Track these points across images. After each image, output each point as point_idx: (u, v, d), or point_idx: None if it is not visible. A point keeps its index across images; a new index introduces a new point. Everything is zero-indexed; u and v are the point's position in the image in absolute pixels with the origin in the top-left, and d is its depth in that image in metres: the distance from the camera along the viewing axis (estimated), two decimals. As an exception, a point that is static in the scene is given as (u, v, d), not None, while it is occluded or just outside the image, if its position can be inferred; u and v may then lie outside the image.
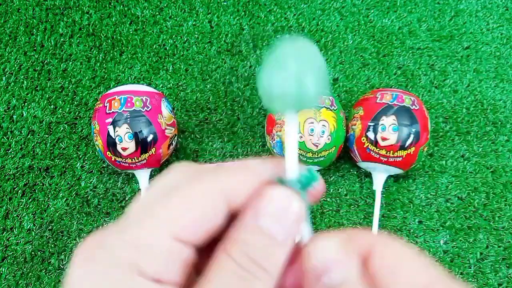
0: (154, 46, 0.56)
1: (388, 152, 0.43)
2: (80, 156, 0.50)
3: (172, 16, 0.57)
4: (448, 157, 0.50)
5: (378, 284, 0.16)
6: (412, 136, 0.42)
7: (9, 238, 0.47)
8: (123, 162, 0.43)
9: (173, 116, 0.46)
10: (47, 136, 0.51)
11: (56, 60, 0.55)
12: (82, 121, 0.52)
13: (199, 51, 0.55)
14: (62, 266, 0.45)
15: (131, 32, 0.56)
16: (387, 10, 0.58)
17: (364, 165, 0.46)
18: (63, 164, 0.50)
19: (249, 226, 0.15)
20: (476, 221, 0.47)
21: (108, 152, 0.42)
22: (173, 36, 0.56)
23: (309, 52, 0.17)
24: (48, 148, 0.50)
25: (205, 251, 0.16)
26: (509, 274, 0.45)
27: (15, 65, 0.55)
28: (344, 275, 0.15)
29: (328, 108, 0.43)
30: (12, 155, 0.50)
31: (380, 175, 0.46)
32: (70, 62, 0.55)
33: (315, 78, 0.16)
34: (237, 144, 0.50)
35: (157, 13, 0.58)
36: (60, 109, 0.52)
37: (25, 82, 0.54)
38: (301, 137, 0.42)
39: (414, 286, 0.15)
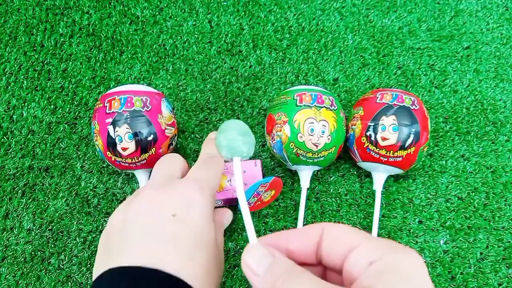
0: (154, 46, 0.56)
1: (388, 152, 0.43)
2: (80, 156, 0.50)
3: (172, 16, 0.57)
4: (448, 157, 0.50)
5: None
6: (412, 136, 0.42)
7: (9, 238, 0.47)
8: (123, 162, 0.43)
9: (173, 116, 0.46)
10: (47, 136, 0.51)
11: (56, 60, 0.55)
12: (82, 121, 0.52)
13: (199, 51, 0.55)
14: (62, 266, 0.45)
15: (131, 32, 0.56)
16: (387, 10, 0.58)
17: (364, 165, 0.46)
18: (63, 164, 0.50)
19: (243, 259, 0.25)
20: (476, 221, 0.47)
21: (108, 152, 0.42)
22: (173, 36, 0.56)
23: (243, 128, 0.34)
24: (48, 148, 0.50)
25: None
26: (509, 274, 0.45)
27: (15, 65, 0.55)
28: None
29: (328, 108, 0.43)
30: (12, 155, 0.50)
31: (380, 175, 0.46)
32: (70, 62, 0.55)
33: (248, 145, 0.33)
34: (237, 144, 0.50)
35: (157, 13, 0.58)
36: (60, 109, 0.52)
37: (25, 82, 0.54)
38: (301, 137, 0.42)
39: (349, 245, 0.23)
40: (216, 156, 0.36)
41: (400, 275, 0.21)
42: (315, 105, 0.43)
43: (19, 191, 0.49)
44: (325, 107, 0.43)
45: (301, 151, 0.43)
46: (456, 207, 0.48)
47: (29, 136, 0.51)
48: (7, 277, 0.45)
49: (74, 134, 0.51)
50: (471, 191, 0.49)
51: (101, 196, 0.48)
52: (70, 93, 0.53)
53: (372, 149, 0.43)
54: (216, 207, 0.41)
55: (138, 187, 0.48)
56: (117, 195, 0.48)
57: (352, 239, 0.23)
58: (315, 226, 0.25)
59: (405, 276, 0.21)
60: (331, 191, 0.49)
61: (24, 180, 0.49)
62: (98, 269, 0.30)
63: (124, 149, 0.42)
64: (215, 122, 0.52)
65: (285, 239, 0.25)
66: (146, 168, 0.45)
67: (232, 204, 0.46)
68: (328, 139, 0.43)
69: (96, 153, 0.50)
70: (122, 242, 0.30)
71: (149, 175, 0.46)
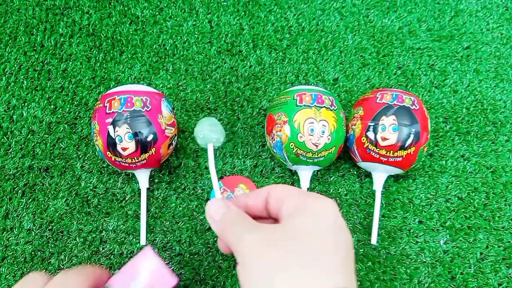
0: (154, 46, 0.56)
1: (388, 152, 0.43)
2: (80, 156, 0.50)
3: (172, 16, 0.57)
4: (448, 157, 0.50)
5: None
6: (412, 136, 0.42)
7: (9, 238, 0.47)
8: (123, 162, 0.43)
9: (173, 116, 0.46)
10: (47, 136, 0.51)
11: (56, 60, 0.55)
12: (82, 121, 0.52)
13: (199, 51, 0.55)
14: (62, 266, 0.45)
15: (131, 32, 0.56)
16: (387, 10, 0.58)
17: (364, 165, 0.46)
18: (63, 164, 0.50)
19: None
20: (476, 221, 0.47)
21: (108, 152, 0.42)
22: (173, 36, 0.56)
23: (213, 121, 0.39)
24: (48, 148, 0.50)
25: None
26: (509, 274, 0.45)
27: (15, 65, 0.55)
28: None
29: (328, 108, 0.43)
30: (12, 155, 0.50)
31: (380, 175, 0.46)
32: (70, 62, 0.55)
33: (216, 133, 0.38)
34: (237, 144, 0.50)
35: (157, 13, 0.58)
36: (60, 109, 0.52)
37: (25, 82, 0.54)
38: (301, 137, 0.42)
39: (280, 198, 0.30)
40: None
41: (310, 212, 0.28)
42: (315, 105, 0.43)
43: (19, 191, 0.49)
44: (325, 107, 0.43)
45: (301, 151, 0.43)
46: (456, 207, 0.48)
47: (29, 136, 0.51)
48: (7, 277, 0.45)
49: (74, 134, 0.51)
50: (471, 191, 0.49)
51: (101, 196, 0.48)
52: (70, 93, 0.53)
53: (372, 149, 0.43)
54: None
55: (138, 187, 0.48)
56: (117, 195, 0.48)
57: (287, 194, 0.30)
58: (265, 188, 0.32)
59: (314, 213, 0.28)
60: (331, 191, 0.49)
61: (24, 180, 0.49)
62: None
63: (124, 149, 0.42)
64: (215, 122, 0.52)
65: (244, 198, 0.32)
66: (146, 168, 0.45)
67: None
68: (328, 139, 0.43)
69: (96, 153, 0.50)
70: None
71: (149, 175, 0.46)
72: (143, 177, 0.45)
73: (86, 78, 0.54)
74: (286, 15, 0.58)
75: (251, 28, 0.57)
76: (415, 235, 0.47)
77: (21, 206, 0.48)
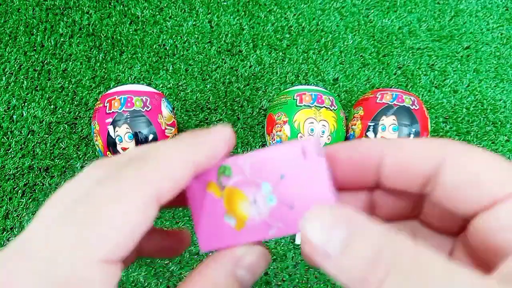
0: (154, 46, 0.56)
1: (388, 152, 0.43)
2: (80, 156, 0.50)
3: (172, 16, 0.57)
4: (448, 157, 0.50)
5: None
6: (412, 136, 0.42)
7: (9, 238, 0.47)
8: (123, 162, 0.43)
9: (173, 116, 0.46)
10: (47, 136, 0.51)
11: (56, 60, 0.55)
12: (82, 121, 0.52)
13: (199, 51, 0.55)
14: (62, 266, 0.45)
15: (131, 32, 0.56)
16: (387, 10, 0.58)
17: (364, 165, 0.46)
18: (63, 164, 0.50)
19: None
20: (476, 221, 0.47)
21: (108, 152, 0.42)
22: (173, 36, 0.56)
23: None
24: (48, 148, 0.50)
25: None
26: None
27: (15, 65, 0.55)
28: None
29: (328, 108, 0.43)
30: (12, 155, 0.50)
31: (380, 175, 0.46)
32: (70, 62, 0.55)
33: None
34: (237, 144, 0.50)
35: (157, 13, 0.58)
36: (60, 109, 0.52)
37: (25, 82, 0.54)
38: (301, 137, 0.42)
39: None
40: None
41: None
42: (315, 105, 0.43)
43: (19, 191, 0.49)
44: (325, 107, 0.43)
45: (301, 151, 0.43)
46: (456, 207, 0.48)
47: (29, 136, 0.51)
48: (7, 277, 0.45)
49: (74, 134, 0.51)
50: (471, 191, 0.49)
51: (101, 196, 0.48)
52: (70, 93, 0.53)
53: (372, 149, 0.43)
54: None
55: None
56: (117, 195, 0.48)
57: (495, 177, 0.13)
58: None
59: None
60: (331, 191, 0.49)
61: (24, 180, 0.49)
62: None
63: (124, 149, 0.42)
64: (215, 122, 0.52)
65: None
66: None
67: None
68: (328, 139, 0.43)
69: (96, 153, 0.50)
70: None
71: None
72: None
73: (86, 78, 0.54)
74: (286, 15, 0.58)
75: (251, 28, 0.57)
76: (415, 235, 0.47)
77: (21, 206, 0.48)
